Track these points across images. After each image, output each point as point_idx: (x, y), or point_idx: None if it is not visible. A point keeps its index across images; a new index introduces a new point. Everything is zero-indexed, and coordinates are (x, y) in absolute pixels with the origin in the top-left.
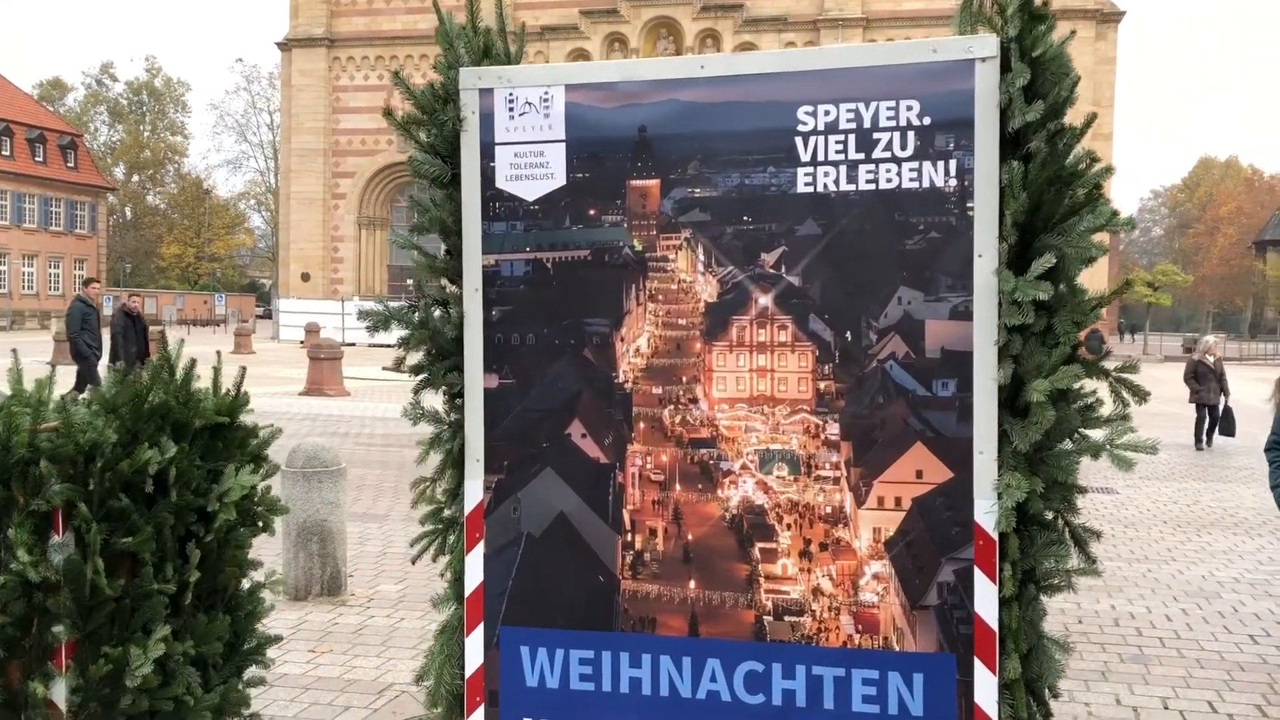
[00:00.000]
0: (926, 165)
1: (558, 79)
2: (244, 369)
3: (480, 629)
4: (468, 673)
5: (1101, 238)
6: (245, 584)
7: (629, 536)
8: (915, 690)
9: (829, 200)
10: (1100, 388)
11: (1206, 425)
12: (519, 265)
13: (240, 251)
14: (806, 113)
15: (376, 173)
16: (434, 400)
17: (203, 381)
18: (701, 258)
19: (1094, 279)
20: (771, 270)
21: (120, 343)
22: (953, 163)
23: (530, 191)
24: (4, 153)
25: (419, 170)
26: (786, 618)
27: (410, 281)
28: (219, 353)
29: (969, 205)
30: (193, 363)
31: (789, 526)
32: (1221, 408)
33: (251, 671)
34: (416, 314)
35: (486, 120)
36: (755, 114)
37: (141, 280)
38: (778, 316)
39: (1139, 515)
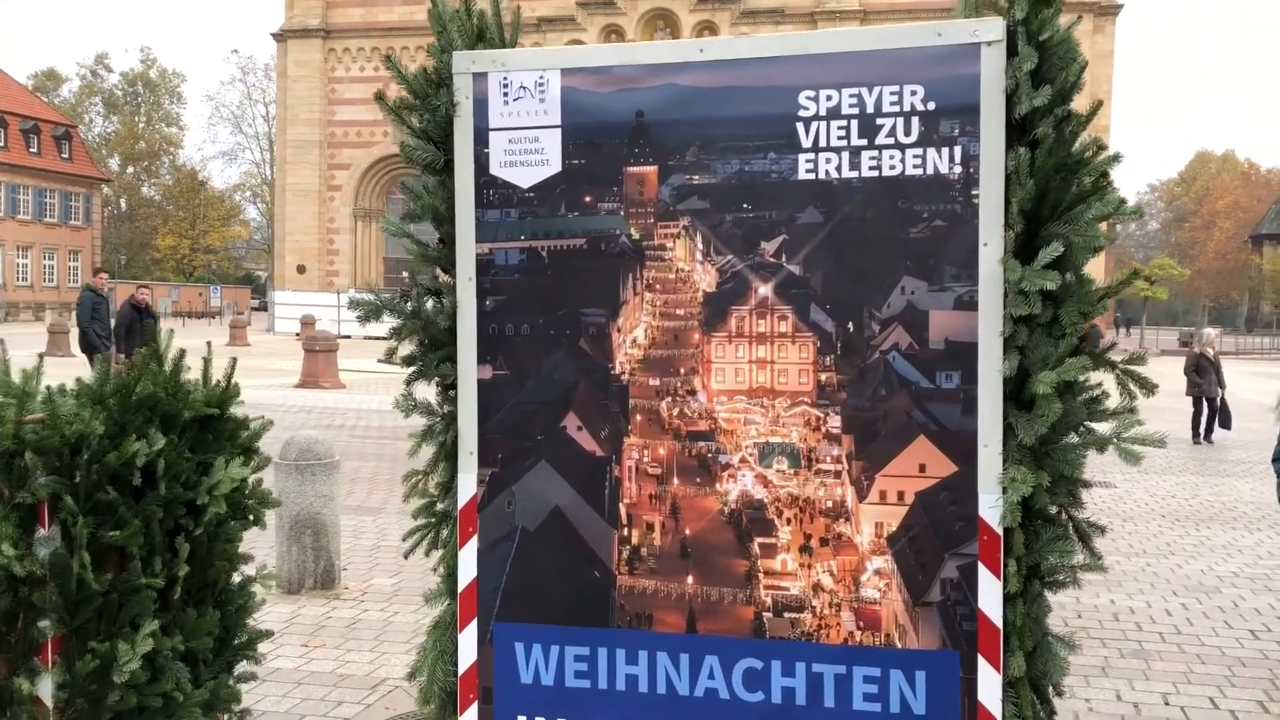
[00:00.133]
0: (931, 152)
1: (553, 63)
2: (234, 360)
3: (474, 625)
4: (461, 669)
5: (1104, 227)
6: (236, 578)
7: (625, 531)
8: (917, 688)
9: (831, 187)
10: (1106, 380)
11: (1205, 418)
12: (513, 254)
13: (236, 244)
14: (808, 97)
15: (372, 165)
16: (427, 392)
17: (193, 373)
18: (700, 246)
19: (1090, 272)
20: (772, 259)
21: (124, 336)
22: (957, 149)
23: (525, 178)
24: None
25: (411, 156)
26: (786, 614)
27: (406, 274)
28: (209, 344)
29: (974, 193)
30: (181, 353)
31: (789, 521)
32: (1218, 401)
33: (242, 667)
34: (409, 304)
35: (480, 105)
36: (755, 99)
37: (136, 272)
38: (778, 306)
39: (1137, 509)
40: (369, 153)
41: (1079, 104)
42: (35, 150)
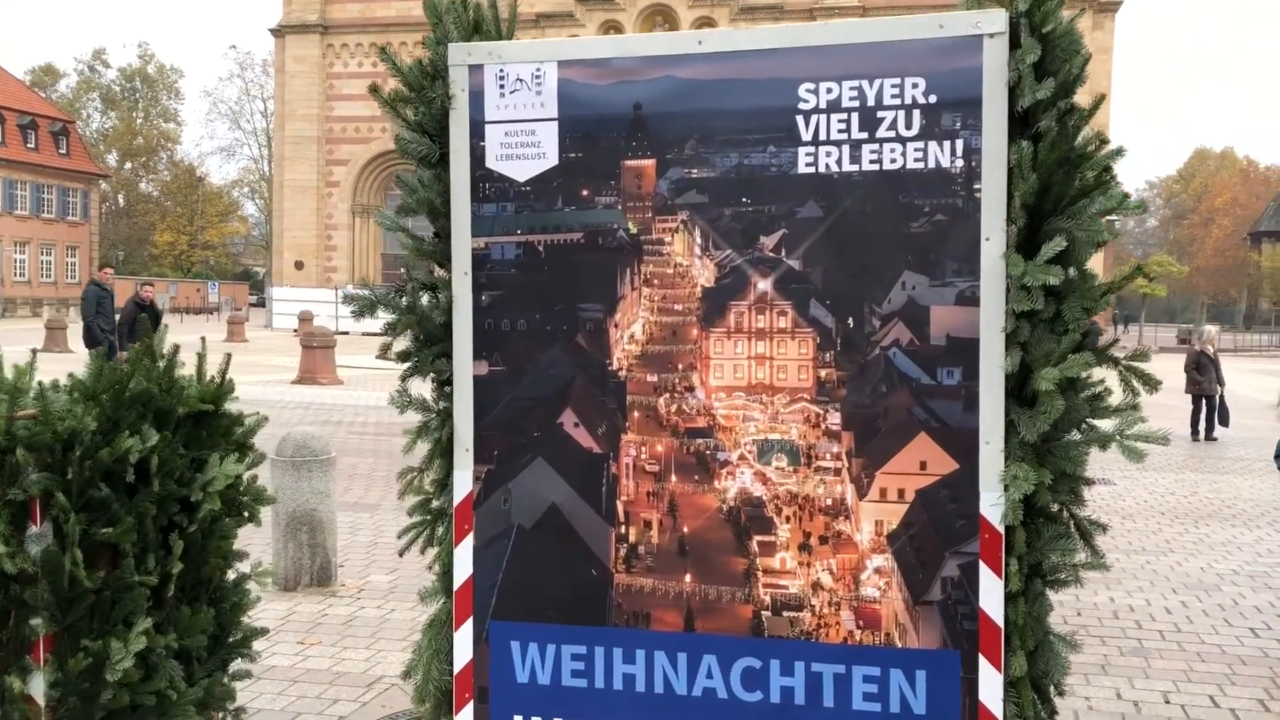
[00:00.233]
0: (932, 145)
1: (550, 55)
2: (229, 355)
3: (469, 623)
4: (456, 668)
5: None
6: (231, 575)
7: (623, 529)
8: (918, 688)
9: (831, 181)
10: (1108, 376)
11: (1205, 415)
12: (509, 248)
13: (234, 239)
14: (808, 90)
15: (370, 160)
16: (422, 388)
17: (188, 368)
18: (699, 241)
19: (1089, 268)
20: (771, 254)
21: (127, 333)
22: (959, 142)
23: (521, 172)
24: None
25: (406, 149)
26: (785, 613)
27: (403, 269)
28: (203, 339)
29: (976, 187)
30: (175, 349)
31: (788, 519)
32: (1218, 398)
33: (237, 665)
34: (403, 299)
35: (476, 98)
36: (755, 91)
37: (134, 268)
38: (777, 302)
39: (1136, 506)
40: (367, 148)
41: (1080, 99)
42: (33, 146)
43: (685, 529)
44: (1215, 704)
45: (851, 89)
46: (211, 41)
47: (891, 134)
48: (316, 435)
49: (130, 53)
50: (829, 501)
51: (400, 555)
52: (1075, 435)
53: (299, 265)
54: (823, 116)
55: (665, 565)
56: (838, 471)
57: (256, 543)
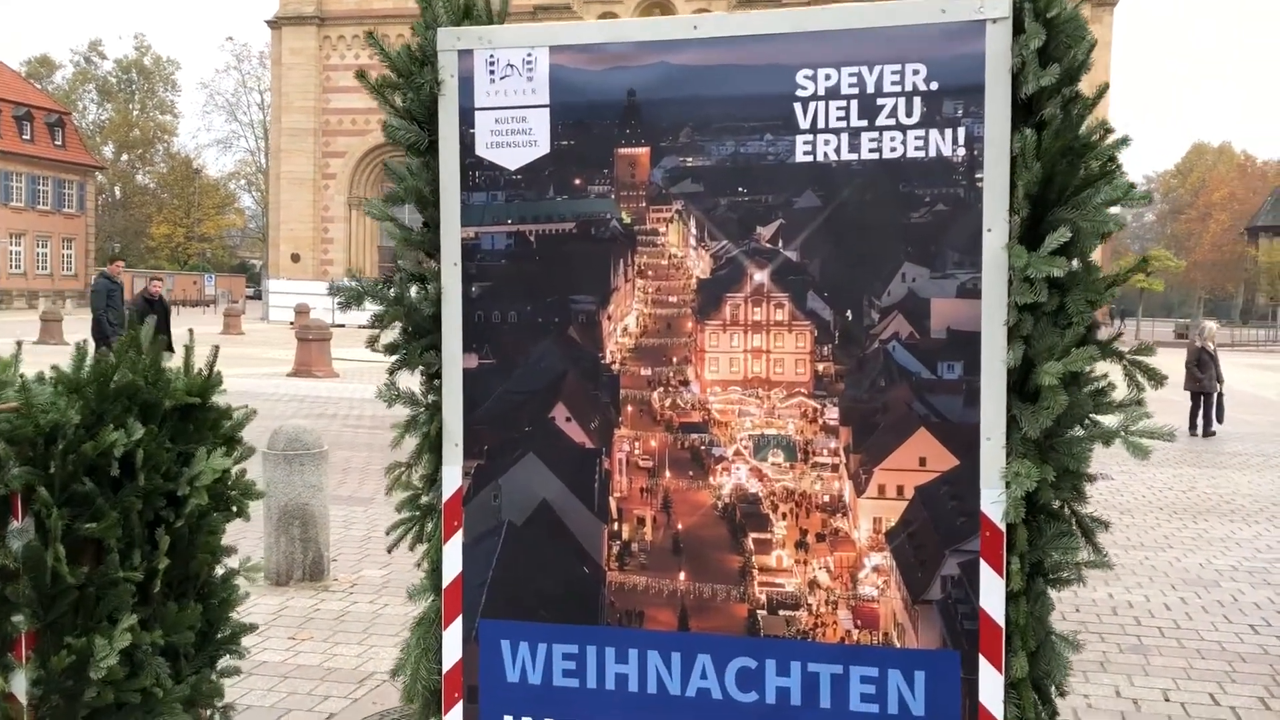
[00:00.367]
0: (933, 133)
1: (542, 40)
2: (216, 348)
3: (458, 622)
4: (445, 667)
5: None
6: (219, 571)
7: (616, 526)
8: (916, 689)
9: (829, 170)
10: (1111, 371)
11: (1203, 412)
12: (500, 238)
13: (230, 232)
14: (806, 77)
15: (367, 152)
16: (410, 381)
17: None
18: (694, 231)
19: None
20: (768, 245)
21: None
22: (961, 131)
23: (512, 160)
24: None
25: (394, 137)
26: (781, 612)
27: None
28: (190, 331)
29: (978, 176)
30: (160, 340)
31: (784, 516)
32: (1216, 394)
33: (225, 661)
34: (391, 290)
35: (466, 84)
36: (751, 78)
37: (131, 260)
38: (774, 294)
39: (1135, 502)
40: (364, 141)
41: (1082, 88)
42: (28, 137)
43: (679, 526)
44: (1215, 702)
45: (851, 75)
46: (208, 33)
47: (891, 122)
48: (308, 429)
49: (126, 44)
50: (826, 498)
51: (389, 551)
52: (1078, 431)
53: (295, 258)
54: (821, 104)
55: (659, 563)
56: (835, 468)
57: (249, 537)
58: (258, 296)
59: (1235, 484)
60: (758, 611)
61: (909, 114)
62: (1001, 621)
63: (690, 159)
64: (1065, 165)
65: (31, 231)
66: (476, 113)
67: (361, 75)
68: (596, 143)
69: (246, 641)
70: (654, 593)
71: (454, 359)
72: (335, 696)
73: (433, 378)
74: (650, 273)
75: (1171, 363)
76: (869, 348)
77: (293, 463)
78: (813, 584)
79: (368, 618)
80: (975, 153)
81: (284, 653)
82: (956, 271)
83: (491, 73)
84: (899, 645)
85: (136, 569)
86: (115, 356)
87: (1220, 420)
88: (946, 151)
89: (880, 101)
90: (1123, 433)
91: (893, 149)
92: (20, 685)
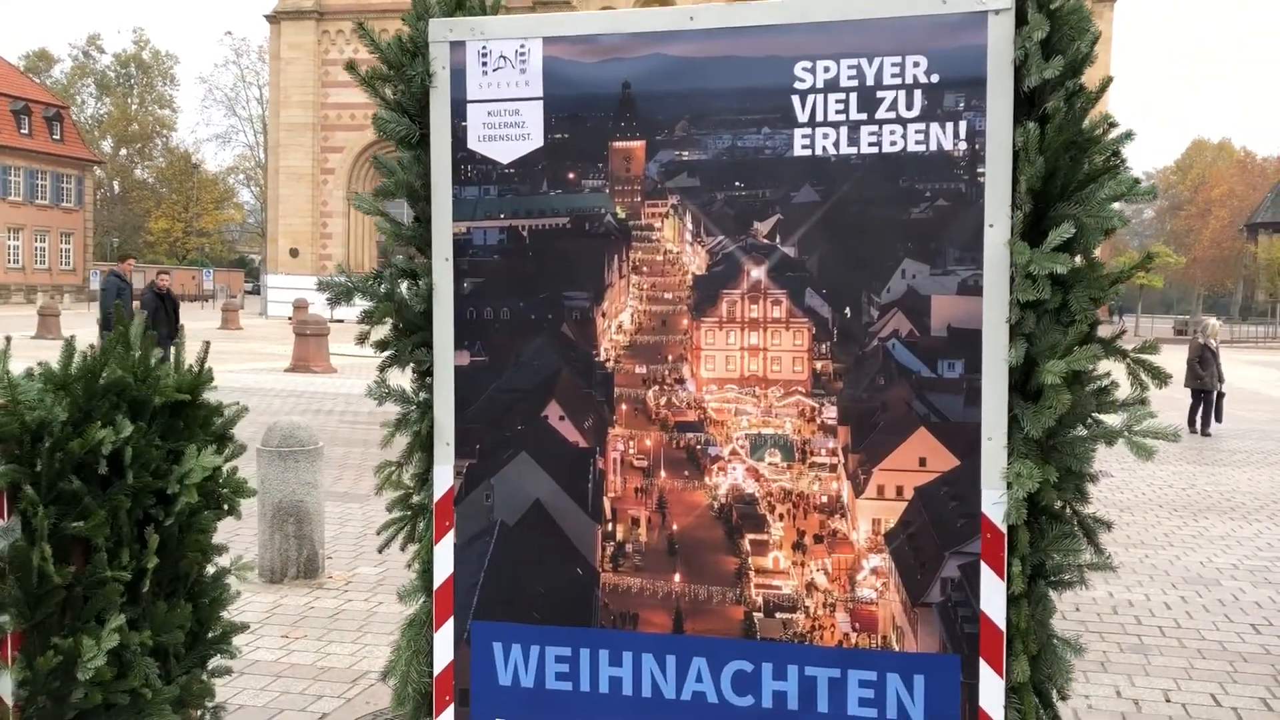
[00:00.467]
0: (934, 127)
1: (535, 31)
2: (207, 344)
3: (450, 624)
4: (436, 670)
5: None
6: (210, 570)
7: (610, 526)
8: (916, 693)
9: (828, 164)
10: (1113, 369)
11: (1203, 411)
12: (492, 233)
13: (229, 227)
14: (804, 69)
15: (366, 147)
16: (401, 379)
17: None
18: (689, 226)
19: None
20: (765, 240)
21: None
22: (962, 124)
23: (505, 153)
24: None
25: (385, 129)
26: (778, 614)
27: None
28: (181, 327)
29: (979, 171)
30: (151, 336)
31: (781, 517)
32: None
33: (216, 661)
34: (382, 285)
35: (458, 76)
36: (749, 70)
37: (129, 255)
38: (771, 290)
39: (1135, 499)
40: (362, 136)
41: (1085, 82)
42: (26, 131)
43: (674, 527)
44: (1217, 702)
45: (850, 68)
46: (206, 28)
47: (891, 115)
48: (303, 425)
49: (125, 38)
50: (824, 499)
51: (380, 552)
52: (1081, 431)
53: (294, 253)
54: (820, 96)
55: (653, 564)
56: (833, 468)
57: (244, 534)
58: (256, 292)
59: (1235, 481)
60: (754, 614)
61: (909, 107)
62: (1003, 625)
63: (686, 153)
64: (1068, 160)
65: (30, 226)
66: (468, 105)
67: (351, 67)
68: (591, 136)
69: (239, 640)
70: (648, 594)
71: (445, 356)
72: (328, 696)
73: (424, 375)
74: (645, 269)
75: (1170, 359)
76: (868, 346)
77: (287, 459)
78: (810, 586)
79: (362, 615)
80: (977, 147)
81: (277, 651)
82: (957, 268)
83: (484, 65)
84: (898, 648)
85: (125, 568)
86: (103, 353)
87: (1219, 420)
88: (948, 145)
89: (880, 94)
90: (1126, 432)
91: (893, 143)
92: (6, 687)
